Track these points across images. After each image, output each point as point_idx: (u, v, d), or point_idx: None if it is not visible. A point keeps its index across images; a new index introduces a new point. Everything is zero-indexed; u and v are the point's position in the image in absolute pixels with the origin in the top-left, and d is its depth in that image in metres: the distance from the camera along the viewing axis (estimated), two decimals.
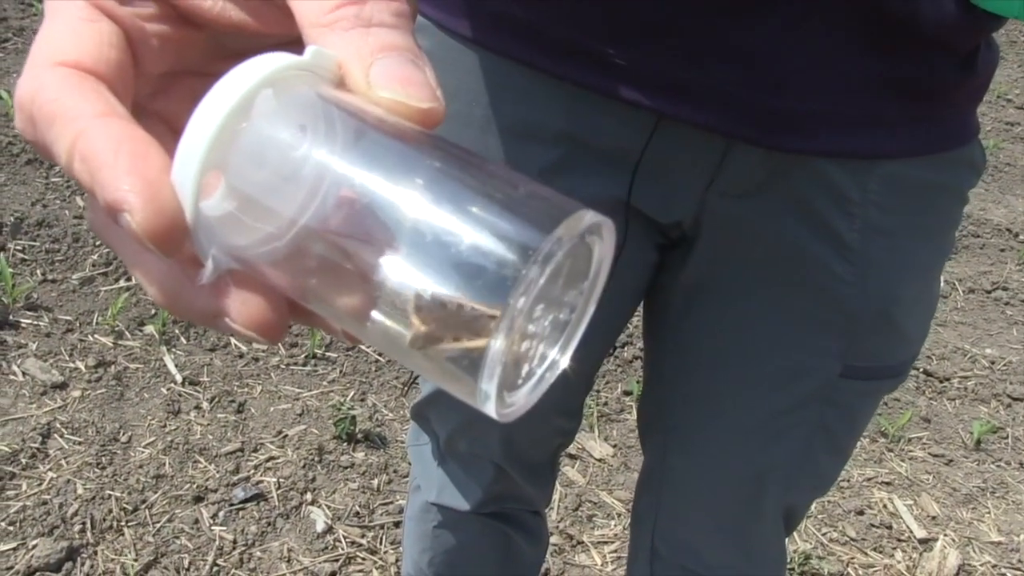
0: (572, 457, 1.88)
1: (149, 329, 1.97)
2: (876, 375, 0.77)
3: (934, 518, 1.86)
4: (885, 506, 1.87)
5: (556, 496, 1.78)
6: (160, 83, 0.32)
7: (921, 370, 2.28)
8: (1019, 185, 3.34)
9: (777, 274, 0.72)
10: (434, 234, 0.25)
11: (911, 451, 2.03)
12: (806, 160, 0.66)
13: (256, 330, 0.27)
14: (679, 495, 0.91)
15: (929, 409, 2.17)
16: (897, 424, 2.05)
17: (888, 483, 1.93)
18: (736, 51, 0.60)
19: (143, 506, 1.60)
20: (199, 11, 0.30)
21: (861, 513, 1.84)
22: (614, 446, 1.93)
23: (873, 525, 1.82)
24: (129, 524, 1.57)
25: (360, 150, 0.27)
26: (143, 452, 1.70)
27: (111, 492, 1.61)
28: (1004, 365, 2.36)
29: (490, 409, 0.26)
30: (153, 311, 2.01)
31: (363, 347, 2.06)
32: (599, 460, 1.89)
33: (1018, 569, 1.77)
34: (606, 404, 2.03)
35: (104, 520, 1.56)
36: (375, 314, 0.26)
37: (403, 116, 0.28)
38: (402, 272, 0.25)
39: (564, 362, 0.30)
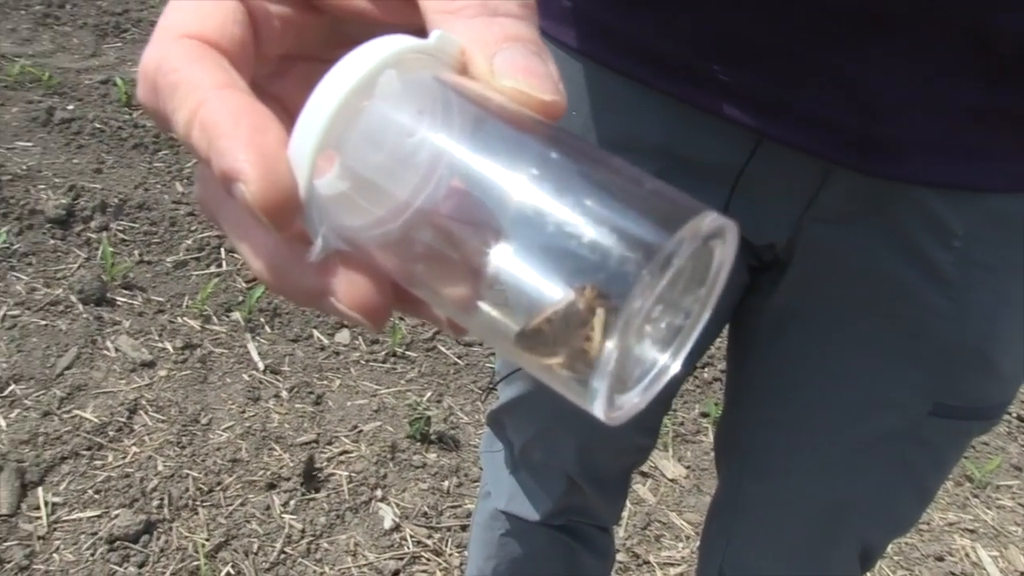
0: (644, 475, 1.86)
1: (235, 315, 2.02)
2: (967, 415, 0.74)
3: (1022, 573, 1.77)
4: (967, 555, 1.79)
5: (625, 513, 1.75)
6: (278, 65, 0.32)
7: (1015, 415, 2.18)
8: None
9: (870, 304, 0.70)
10: (553, 226, 0.24)
11: (999, 499, 1.95)
12: (907, 189, 0.64)
13: (361, 311, 0.27)
14: (752, 522, 0.89)
15: (1021, 457, 2.07)
16: (985, 469, 1.97)
17: (971, 530, 1.85)
18: (841, 75, 0.59)
19: (218, 488, 1.64)
20: None
21: (940, 559, 1.77)
22: (687, 467, 1.89)
23: (953, 573, 1.74)
24: (204, 504, 1.60)
25: (479, 137, 0.26)
26: (222, 435, 1.74)
27: (189, 472, 1.65)
28: None
29: (598, 410, 0.25)
30: (240, 298, 2.06)
31: (442, 349, 2.07)
32: (671, 480, 1.86)
33: None
34: (682, 424, 2.00)
35: (181, 498, 1.60)
36: (483, 305, 0.26)
37: (525, 107, 0.27)
38: (517, 265, 0.25)
39: (675, 367, 0.28)
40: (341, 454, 1.76)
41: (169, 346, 1.89)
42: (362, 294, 0.27)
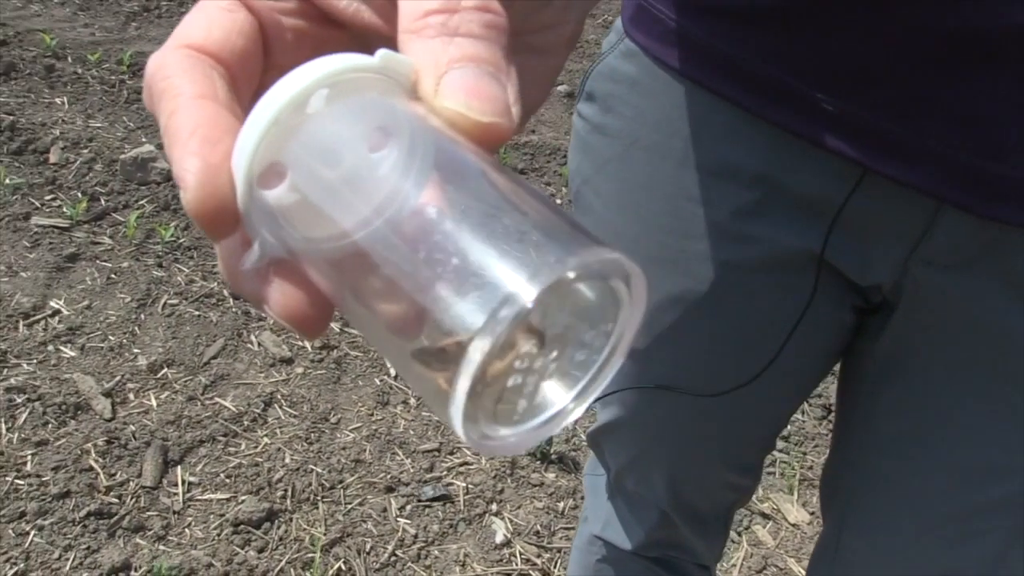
0: (765, 517, 1.79)
1: None
2: None
3: None
4: None
5: (741, 554, 1.69)
6: None
7: None
8: None
9: (982, 357, 0.65)
10: (458, 259, 0.24)
11: None
12: (1022, 234, 0.59)
13: (291, 322, 0.27)
14: None
15: None
16: None
17: None
18: (955, 108, 0.55)
19: (339, 486, 1.70)
20: (335, 10, 0.31)
21: None
22: (812, 513, 1.81)
23: None
24: (324, 500, 1.66)
25: (433, 161, 0.26)
26: (348, 435, 1.80)
27: (313, 467, 1.71)
28: None
29: (456, 428, 0.25)
30: None
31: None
32: (793, 524, 1.78)
33: None
34: (811, 468, 1.91)
35: (303, 491, 1.66)
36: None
37: (461, 129, 0.27)
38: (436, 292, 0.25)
39: (577, 413, 0.28)
40: (461, 465, 1.79)
41: (308, 345, 1.98)
42: (294, 304, 0.27)
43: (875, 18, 0.55)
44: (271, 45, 0.31)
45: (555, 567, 1.62)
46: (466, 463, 1.79)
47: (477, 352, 0.23)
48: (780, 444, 1.97)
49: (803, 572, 1.68)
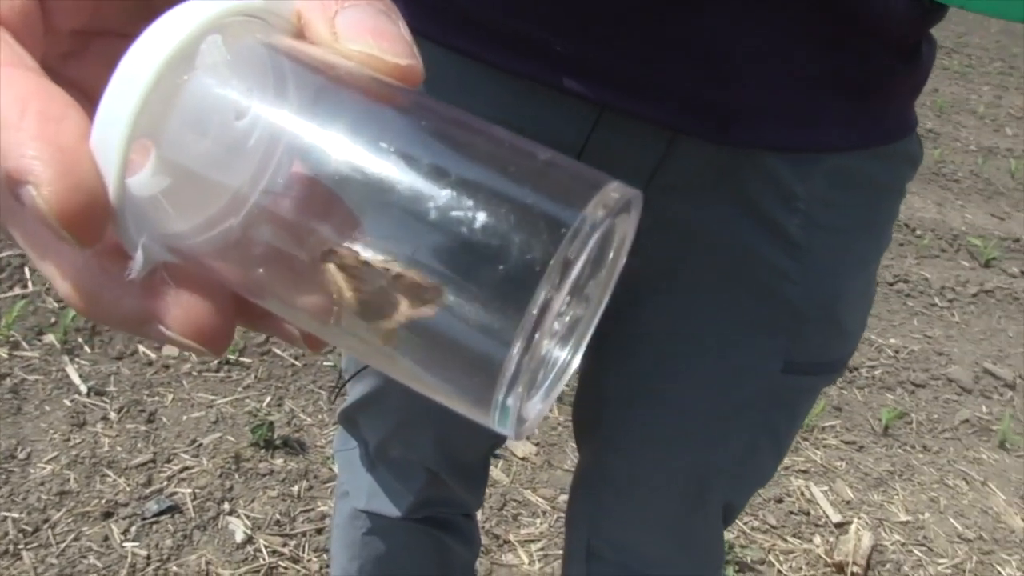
0: (495, 457, 1.87)
1: (49, 338, 1.87)
2: (817, 371, 0.77)
3: (848, 502, 1.91)
4: (802, 493, 1.91)
5: None
6: (74, 43, 0.27)
7: None
8: (913, 183, 3.47)
9: (722, 272, 0.71)
10: (435, 211, 0.20)
11: (825, 439, 2.08)
12: (751, 155, 0.65)
13: (196, 338, 0.23)
14: (617, 495, 0.90)
15: (840, 398, 2.23)
16: (811, 414, 2.10)
17: (804, 471, 1.97)
18: (681, 43, 0.59)
19: (45, 526, 1.52)
20: None
21: (780, 501, 1.88)
22: (536, 444, 1.92)
23: (792, 512, 1.85)
24: (28, 547, 1.48)
25: (324, 110, 0.23)
26: (44, 468, 1.61)
27: (6, 514, 1.52)
28: (907, 354, 2.44)
29: (508, 426, 0.22)
30: (53, 319, 1.91)
31: (277, 351, 2.00)
32: (522, 459, 1.88)
33: (923, 545, 1.83)
34: None
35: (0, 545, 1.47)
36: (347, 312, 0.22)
37: (378, 71, 0.24)
38: (383, 253, 0.21)
39: (576, 363, 0.26)
40: (182, 471, 1.67)
41: None
42: (195, 316, 0.23)
43: None
44: (46, 3, 0.25)
45: (303, 552, 1.58)
46: (186, 468, 1.68)
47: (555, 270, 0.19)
48: None
49: (541, 500, 1.78)
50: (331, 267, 0.21)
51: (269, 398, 1.87)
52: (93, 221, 0.21)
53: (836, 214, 0.69)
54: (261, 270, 0.23)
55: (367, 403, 0.90)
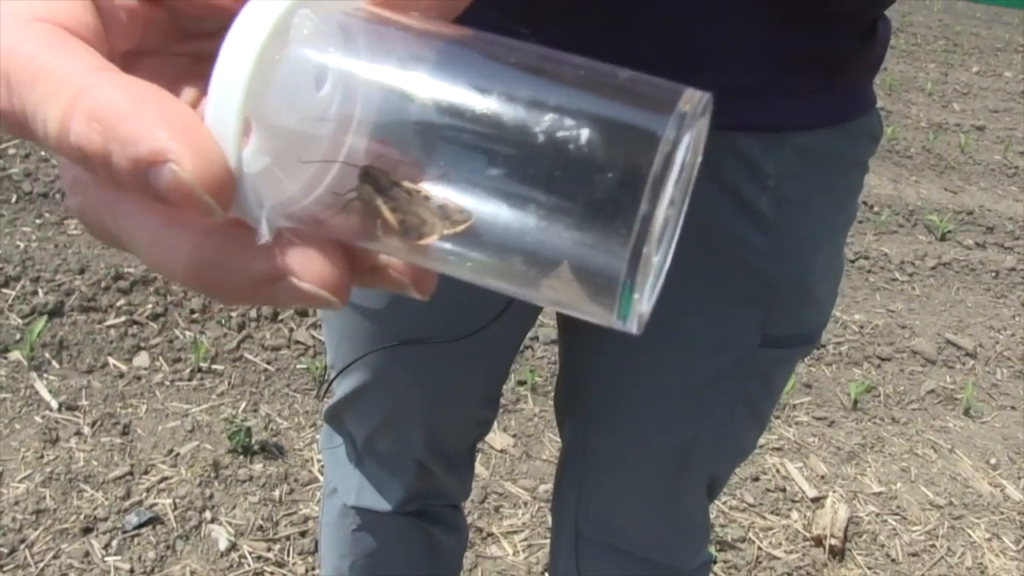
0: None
1: (15, 355, 1.84)
2: (792, 342, 0.79)
3: (823, 477, 1.94)
4: (778, 471, 1.94)
5: None
6: (124, 63, 0.28)
7: None
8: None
9: (696, 248, 0.73)
10: (543, 135, 0.22)
11: (796, 416, 2.12)
12: (721, 135, 0.67)
13: (329, 287, 0.24)
14: (602, 473, 0.91)
15: (809, 375, 2.27)
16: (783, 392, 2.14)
17: (779, 448, 2.01)
18: (649, 25, 0.61)
19: (22, 546, 1.50)
20: None
21: (757, 479, 1.91)
22: (514, 436, 1.93)
23: (769, 489, 1.88)
24: (5, 569, 1.46)
25: (410, 64, 0.24)
26: (18, 487, 1.59)
27: None
28: (871, 329, 2.49)
29: (632, 322, 0.23)
30: (18, 336, 1.89)
31: (249, 357, 1.99)
32: (500, 451, 1.89)
33: (897, 514, 1.87)
34: (502, 395, 2.03)
35: None
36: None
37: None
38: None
39: (667, 266, 0.27)
40: (161, 482, 1.66)
41: None
42: (323, 268, 0.24)
43: None
44: (106, 25, 0.26)
45: (288, 555, 1.58)
46: (165, 478, 1.67)
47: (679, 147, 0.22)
48: None
49: (521, 491, 1.79)
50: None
51: (244, 404, 1.86)
52: (230, 191, 0.23)
53: (804, 189, 0.71)
54: (362, 221, 0.25)
55: (354, 398, 0.90)
